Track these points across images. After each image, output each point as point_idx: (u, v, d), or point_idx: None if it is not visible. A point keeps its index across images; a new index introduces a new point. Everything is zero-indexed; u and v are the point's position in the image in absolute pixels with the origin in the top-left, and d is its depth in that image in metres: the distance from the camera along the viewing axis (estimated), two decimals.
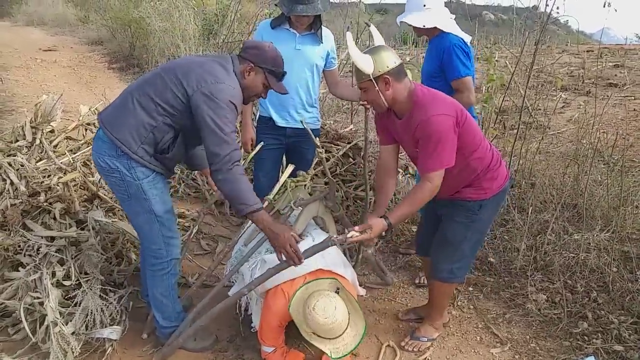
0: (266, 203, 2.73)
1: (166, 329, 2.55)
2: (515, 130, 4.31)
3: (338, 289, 2.38)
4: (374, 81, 2.23)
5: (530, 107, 5.40)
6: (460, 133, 2.24)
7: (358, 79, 2.29)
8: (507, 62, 6.00)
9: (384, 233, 2.34)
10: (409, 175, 4.29)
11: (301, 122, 2.94)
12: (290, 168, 2.81)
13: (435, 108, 2.19)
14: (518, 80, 5.38)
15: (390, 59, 2.23)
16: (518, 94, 5.51)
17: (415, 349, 2.66)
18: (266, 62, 2.35)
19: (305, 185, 2.89)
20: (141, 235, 2.49)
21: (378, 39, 2.44)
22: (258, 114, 3.27)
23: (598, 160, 4.17)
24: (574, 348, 2.63)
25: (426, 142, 2.19)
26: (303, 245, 2.54)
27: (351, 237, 2.27)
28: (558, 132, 5.55)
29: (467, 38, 2.97)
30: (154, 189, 2.34)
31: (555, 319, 2.84)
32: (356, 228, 2.28)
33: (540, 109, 5.65)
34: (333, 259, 2.55)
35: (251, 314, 2.70)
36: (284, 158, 3.37)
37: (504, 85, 4.34)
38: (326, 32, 3.05)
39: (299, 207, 2.64)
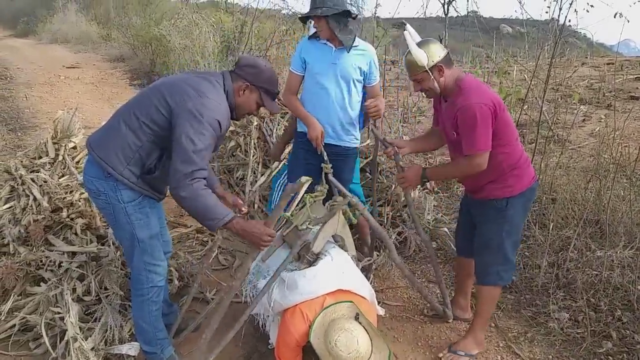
0: (284, 220, 2.73)
1: (148, 354, 2.54)
2: (534, 145, 4.26)
3: (357, 315, 2.35)
4: (429, 71, 2.46)
5: (549, 121, 5.34)
6: (495, 124, 2.42)
7: (413, 72, 2.51)
8: (525, 75, 5.95)
9: (419, 187, 2.68)
10: (426, 190, 4.26)
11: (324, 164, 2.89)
12: (307, 183, 2.80)
13: (476, 96, 2.39)
14: (536, 93, 5.33)
15: (439, 49, 2.49)
16: (536, 107, 5.46)
17: None
18: (263, 81, 2.31)
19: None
20: (126, 259, 2.47)
21: (416, 38, 2.58)
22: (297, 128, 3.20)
23: (620, 175, 4.09)
24: None
25: (466, 127, 2.40)
26: (322, 265, 2.53)
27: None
28: (578, 147, 5.47)
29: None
30: (138, 213, 2.28)
31: (578, 338, 2.78)
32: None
33: (559, 123, 5.59)
34: (352, 278, 2.54)
35: (268, 331, 2.69)
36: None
37: (521, 99, 4.30)
38: (366, 46, 3.01)
39: (318, 225, 2.64)
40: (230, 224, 2.14)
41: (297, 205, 2.80)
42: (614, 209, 3.63)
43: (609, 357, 2.62)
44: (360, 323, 2.31)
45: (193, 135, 2.08)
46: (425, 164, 4.55)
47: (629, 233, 3.43)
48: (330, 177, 2.87)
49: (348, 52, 2.92)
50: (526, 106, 4.51)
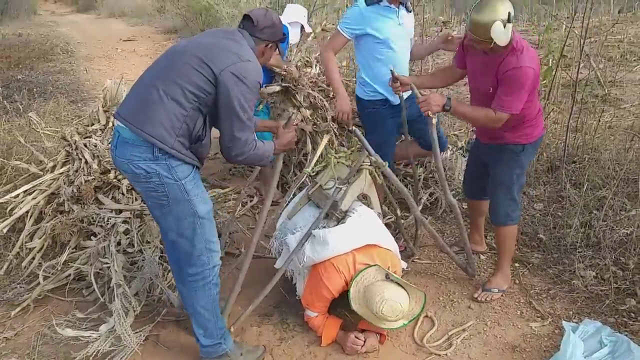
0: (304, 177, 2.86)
1: (208, 348, 2.42)
2: (573, 104, 4.10)
3: (387, 275, 2.48)
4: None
5: (602, 80, 5.12)
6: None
7: (479, 35, 2.41)
8: (575, 31, 5.68)
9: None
10: (460, 152, 4.24)
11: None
12: (326, 139, 2.90)
13: (528, 60, 2.45)
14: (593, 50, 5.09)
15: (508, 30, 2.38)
16: (587, 66, 5.23)
17: (487, 299, 2.87)
18: (279, 36, 2.35)
19: (345, 162, 2.98)
20: (180, 243, 2.24)
21: None
22: (363, 97, 3.18)
23: None
24: (618, 325, 2.55)
25: (507, 86, 2.48)
26: (350, 222, 2.65)
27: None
28: (624, 107, 5.20)
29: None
30: (195, 188, 2.20)
31: (601, 295, 2.76)
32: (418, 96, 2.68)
33: (614, 81, 5.33)
34: (378, 233, 2.67)
35: (295, 284, 2.85)
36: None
37: (565, 56, 4.14)
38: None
39: (345, 185, 2.73)
40: (275, 152, 2.46)
41: (319, 163, 2.92)
42: None
43: (631, 314, 2.59)
44: (392, 281, 2.45)
45: (244, 101, 2.11)
46: None
47: None
48: (359, 133, 2.88)
49: (408, 12, 3.05)
50: (582, 64, 4.24)
